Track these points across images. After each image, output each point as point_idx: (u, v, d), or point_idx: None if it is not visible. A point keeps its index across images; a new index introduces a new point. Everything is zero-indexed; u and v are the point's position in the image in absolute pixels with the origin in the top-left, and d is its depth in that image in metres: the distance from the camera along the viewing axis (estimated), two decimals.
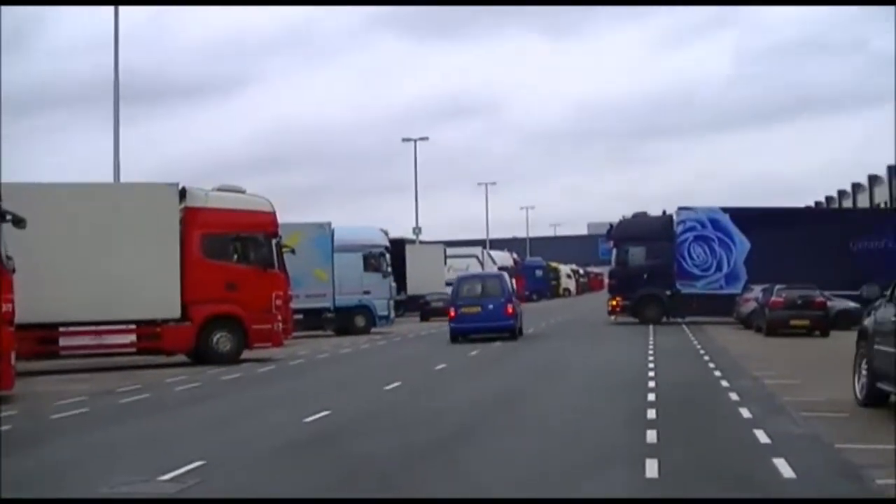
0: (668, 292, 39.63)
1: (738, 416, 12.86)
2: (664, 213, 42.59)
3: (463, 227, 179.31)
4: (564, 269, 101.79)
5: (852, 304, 30.96)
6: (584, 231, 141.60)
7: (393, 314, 40.77)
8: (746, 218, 40.15)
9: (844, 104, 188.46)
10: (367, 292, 38.59)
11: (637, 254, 40.64)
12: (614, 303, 41.04)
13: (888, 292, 12.85)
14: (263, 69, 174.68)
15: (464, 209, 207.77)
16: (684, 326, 36.23)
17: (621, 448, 10.78)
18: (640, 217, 42.67)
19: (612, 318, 41.02)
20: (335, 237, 37.75)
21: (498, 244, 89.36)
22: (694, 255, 39.67)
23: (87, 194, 24.18)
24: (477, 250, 65.94)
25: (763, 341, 29.20)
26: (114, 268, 23.13)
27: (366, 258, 39.02)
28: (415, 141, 67.45)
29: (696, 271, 39.61)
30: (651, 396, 15.09)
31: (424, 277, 51.47)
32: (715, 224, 39.84)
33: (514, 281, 37.51)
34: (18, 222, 17.86)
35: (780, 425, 11.94)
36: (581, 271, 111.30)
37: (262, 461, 10.51)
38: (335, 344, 31.84)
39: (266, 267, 25.01)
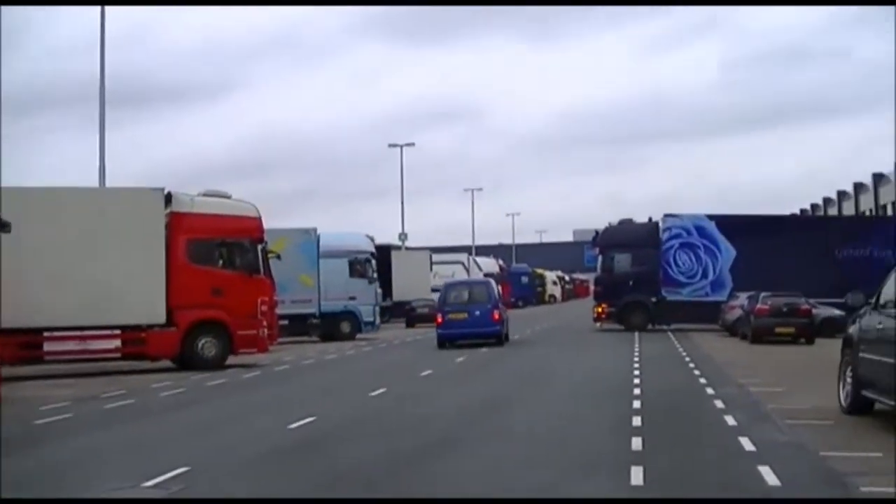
0: (654, 299, 39.64)
1: (724, 424, 12.87)
2: (650, 220, 42.60)
3: (449, 233, 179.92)
4: (550, 275, 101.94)
5: (837, 312, 30.99)
6: (569, 238, 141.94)
7: (378, 320, 40.81)
8: (732, 225, 40.21)
9: (830, 112, 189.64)
10: (352, 298, 38.56)
11: (623, 261, 40.65)
12: (600, 310, 41.04)
13: (873, 300, 12.89)
14: (249, 74, 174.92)
15: (450, 215, 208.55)
16: (670, 333, 36.26)
17: (607, 455, 10.78)
18: (626, 224, 42.72)
19: (598, 324, 40.99)
20: (321, 243, 37.78)
21: (484, 250, 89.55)
22: (679, 263, 39.71)
23: (73, 199, 24.06)
24: (463, 257, 66.01)
25: (748, 349, 29.26)
26: (99, 273, 23.05)
27: (351, 264, 38.96)
28: (401, 147, 67.47)
29: (682, 278, 39.64)
30: (636, 403, 15.10)
31: (410, 284, 51.45)
32: (700, 231, 39.89)
33: (500, 287, 37.54)
34: (3, 226, 17.82)
35: (765, 433, 11.96)
36: (567, 278, 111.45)
37: (247, 467, 10.49)
38: (320, 350, 31.78)
39: (252, 272, 24.96)
